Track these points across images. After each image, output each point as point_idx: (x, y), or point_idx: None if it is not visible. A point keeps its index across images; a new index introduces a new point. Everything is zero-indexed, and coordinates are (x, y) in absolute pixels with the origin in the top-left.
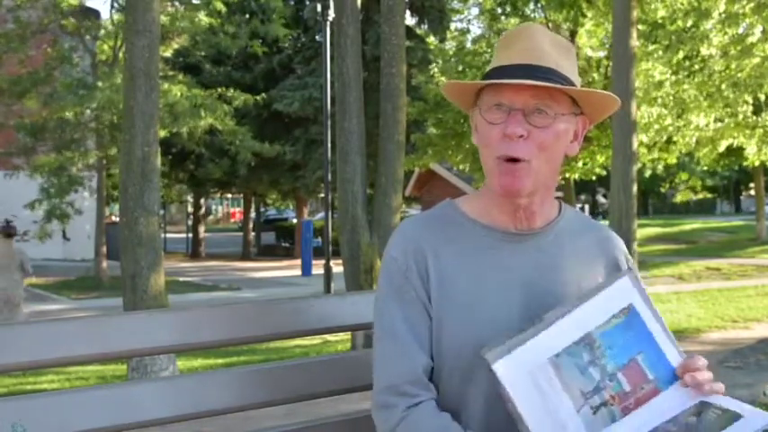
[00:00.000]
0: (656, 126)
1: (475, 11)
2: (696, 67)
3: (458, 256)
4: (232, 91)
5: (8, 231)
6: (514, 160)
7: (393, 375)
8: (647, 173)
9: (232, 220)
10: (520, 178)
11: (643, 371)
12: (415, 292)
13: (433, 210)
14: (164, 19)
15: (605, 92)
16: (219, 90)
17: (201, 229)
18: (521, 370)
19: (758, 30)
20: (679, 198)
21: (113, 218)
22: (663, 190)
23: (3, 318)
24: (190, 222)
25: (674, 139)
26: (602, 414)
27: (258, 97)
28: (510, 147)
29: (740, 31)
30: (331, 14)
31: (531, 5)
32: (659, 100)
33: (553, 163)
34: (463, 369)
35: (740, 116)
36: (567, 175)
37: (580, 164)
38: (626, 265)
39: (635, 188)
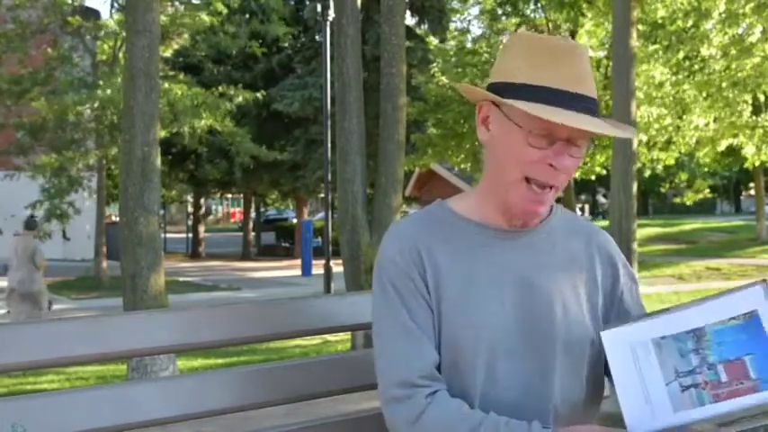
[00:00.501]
0: (656, 126)
1: (475, 11)
2: (696, 67)
3: (451, 255)
4: (233, 89)
5: (28, 224)
6: (545, 189)
7: (406, 371)
8: (647, 173)
9: (232, 220)
10: (544, 204)
11: (747, 369)
12: (418, 290)
13: (424, 210)
14: (164, 19)
15: (633, 135)
16: (220, 88)
17: (201, 229)
18: (623, 340)
19: (758, 30)
20: (689, 200)
21: (113, 218)
22: (663, 190)
23: (26, 311)
24: (190, 222)
25: (674, 139)
26: (691, 394)
27: (258, 94)
28: (549, 176)
29: (740, 31)
30: (331, 14)
31: (532, 5)
32: (658, 100)
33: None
34: (461, 367)
35: (739, 116)
36: None
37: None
38: (619, 260)
39: (635, 188)
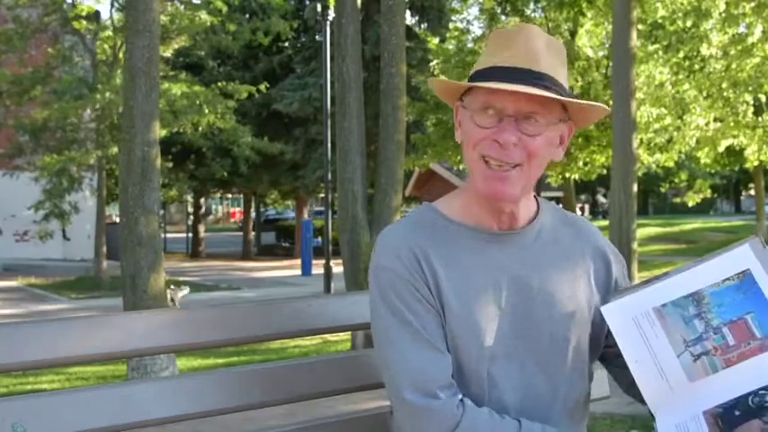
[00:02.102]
0: (656, 126)
1: (475, 11)
2: (696, 66)
3: (446, 261)
4: (232, 85)
5: None
6: (503, 166)
7: (425, 381)
8: (642, 171)
9: (232, 220)
10: (511, 185)
11: (751, 329)
12: (423, 296)
13: (412, 215)
14: (164, 19)
15: (600, 105)
16: (220, 84)
17: (201, 228)
18: (626, 315)
19: (758, 30)
20: (690, 201)
21: (114, 218)
22: (663, 190)
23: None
24: (190, 222)
25: (674, 139)
26: (703, 362)
27: (261, 86)
28: (501, 153)
29: (740, 30)
30: (331, 14)
31: (531, 5)
32: (658, 100)
33: (540, 168)
34: (466, 373)
35: (740, 116)
36: (567, 175)
37: (580, 164)
38: (609, 249)
39: (635, 188)
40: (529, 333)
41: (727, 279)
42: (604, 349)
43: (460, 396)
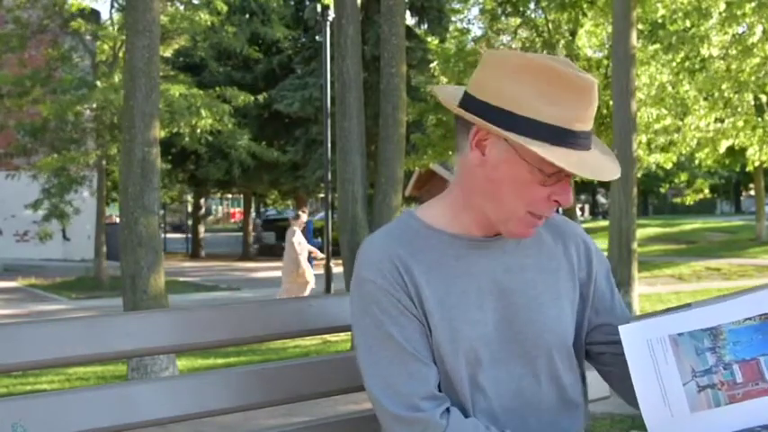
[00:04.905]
0: (657, 126)
1: (475, 11)
2: (696, 66)
3: (427, 269)
4: (230, 90)
5: (293, 217)
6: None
7: (409, 394)
8: (641, 172)
9: (232, 221)
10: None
11: (762, 371)
12: (405, 307)
13: (394, 223)
14: (164, 19)
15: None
16: (218, 89)
17: (201, 229)
18: (641, 336)
19: (758, 30)
20: (689, 200)
21: (114, 218)
22: (663, 190)
23: (285, 291)
24: (190, 222)
25: (676, 140)
26: (707, 394)
27: (260, 96)
28: (552, 210)
29: (740, 30)
30: (331, 15)
31: (532, 5)
32: (659, 101)
33: None
34: (452, 379)
35: (741, 116)
36: None
37: None
38: (592, 247)
39: (635, 189)
40: (514, 337)
41: (749, 319)
42: (588, 346)
43: (446, 406)
